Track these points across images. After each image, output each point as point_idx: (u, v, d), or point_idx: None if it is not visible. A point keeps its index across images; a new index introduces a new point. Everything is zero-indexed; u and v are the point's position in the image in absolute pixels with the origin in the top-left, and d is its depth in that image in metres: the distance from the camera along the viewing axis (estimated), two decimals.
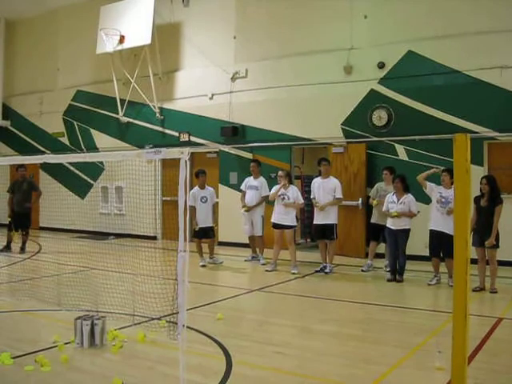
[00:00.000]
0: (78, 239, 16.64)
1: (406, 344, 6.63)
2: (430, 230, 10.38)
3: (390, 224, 10.71)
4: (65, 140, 19.75)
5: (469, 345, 5.69)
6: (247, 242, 13.54)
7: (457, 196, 3.60)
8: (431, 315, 8.31)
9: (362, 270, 11.82)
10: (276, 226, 11.89)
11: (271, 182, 13.07)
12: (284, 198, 11.74)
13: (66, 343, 6.33)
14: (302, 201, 12.21)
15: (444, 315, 7.67)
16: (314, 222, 11.90)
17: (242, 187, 13.31)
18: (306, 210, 15.66)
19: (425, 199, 11.00)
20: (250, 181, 13.23)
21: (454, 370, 3.68)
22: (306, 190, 15.77)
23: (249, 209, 12.94)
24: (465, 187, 3.53)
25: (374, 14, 13.81)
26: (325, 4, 14.36)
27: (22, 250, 14.06)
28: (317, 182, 11.88)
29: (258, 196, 12.98)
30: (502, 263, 9.69)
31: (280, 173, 12.17)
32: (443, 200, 10.15)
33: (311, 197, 11.95)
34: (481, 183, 9.62)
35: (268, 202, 12.80)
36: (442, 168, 10.51)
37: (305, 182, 16.35)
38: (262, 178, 13.18)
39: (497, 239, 9.44)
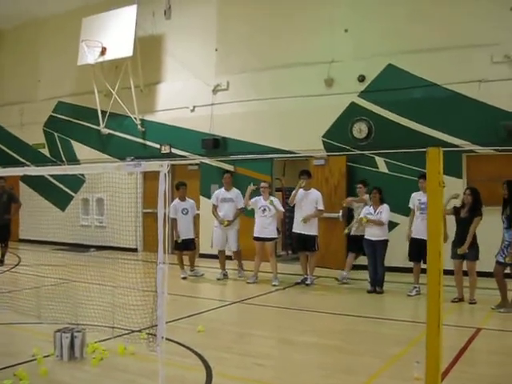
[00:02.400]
0: (58, 251, 16.54)
1: (384, 355, 6.68)
2: (411, 238, 10.52)
3: (369, 235, 10.81)
4: (45, 151, 19.68)
5: (447, 355, 5.78)
6: (228, 254, 13.20)
7: (429, 208, 3.67)
8: (410, 326, 8.37)
9: (337, 279, 11.87)
10: (257, 238, 11.92)
11: (253, 195, 13.03)
12: (265, 210, 11.78)
13: (46, 356, 6.29)
14: (283, 209, 12.24)
15: (423, 326, 7.59)
16: (294, 231, 11.93)
17: (213, 201, 12.77)
18: (287, 221, 15.71)
19: (402, 210, 11.10)
20: (222, 193, 12.73)
21: (428, 379, 3.74)
22: (287, 202, 15.81)
23: (229, 223, 12.48)
24: (437, 199, 3.61)
25: (354, 27, 13.96)
26: (306, 17, 14.50)
27: (1, 262, 13.95)
28: (299, 194, 11.91)
29: (235, 208, 12.59)
30: (480, 274, 9.77)
31: (263, 184, 12.20)
32: (422, 206, 10.27)
33: (294, 202, 11.95)
34: (464, 194, 9.75)
35: (244, 213, 12.77)
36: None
37: (286, 194, 16.37)
38: (235, 190, 12.78)
39: (476, 251, 9.54)
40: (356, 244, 11.59)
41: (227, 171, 13.77)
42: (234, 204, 12.61)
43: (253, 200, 12.07)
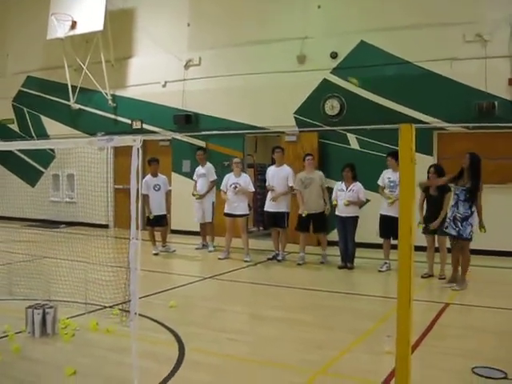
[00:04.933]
0: (28, 228, 16.37)
1: (356, 329, 6.77)
2: (380, 215, 10.61)
3: (339, 212, 10.88)
4: (14, 127, 19.38)
5: (417, 329, 5.89)
6: (199, 229, 13.52)
7: (402, 184, 3.71)
8: (381, 301, 8.50)
9: (298, 264, 11.42)
10: (228, 215, 11.96)
11: (224, 171, 13.08)
12: (236, 187, 11.78)
13: (17, 333, 6.28)
14: (253, 189, 12.27)
15: (393, 301, 7.68)
16: (266, 209, 12.00)
17: (194, 177, 13.32)
18: (259, 198, 15.76)
19: (373, 187, 11.17)
20: (198, 169, 13.26)
21: (398, 353, 3.80)
22: (259, 179, 15.91)
23: (200, 197, 12.90)
24: (409, 176, 3.65)
25: (327, 4, 13.92)
26: None
27: None
28: (271, 170, 11.96)
29: (207, 182, 12.94)
30: (449, 250, 9.89)
31: (236, 160, 12.20)
32: (392, 184, 10.40)
33: (266, 184, 12.00)
34: (428, 172, 9.84)
35: (218, 189, 12.77)
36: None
37: (258, 170, 16.42)
38: (208, 164, 13.16)
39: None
40: (306, 223, 11.53)
41: (200, 148, 13.80)
42: (206, 178, 12.96)
43: (224, 179, 12.07)
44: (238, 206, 11.83)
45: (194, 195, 13.03)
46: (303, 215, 11.41)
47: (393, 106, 12.97)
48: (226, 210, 12.02)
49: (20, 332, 6.32)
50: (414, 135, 3.66)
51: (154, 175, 12.65)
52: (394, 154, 10.12)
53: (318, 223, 11.49)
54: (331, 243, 12.00)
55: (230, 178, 11.97)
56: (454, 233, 8.97)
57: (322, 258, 11.54)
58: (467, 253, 9.02)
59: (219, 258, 11.90)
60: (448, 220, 9.05)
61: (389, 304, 7.81)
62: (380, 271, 10.51)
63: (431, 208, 9.75)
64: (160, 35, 16.22)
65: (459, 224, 8.86)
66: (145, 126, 16.48)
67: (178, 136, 15.89)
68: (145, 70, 16.55)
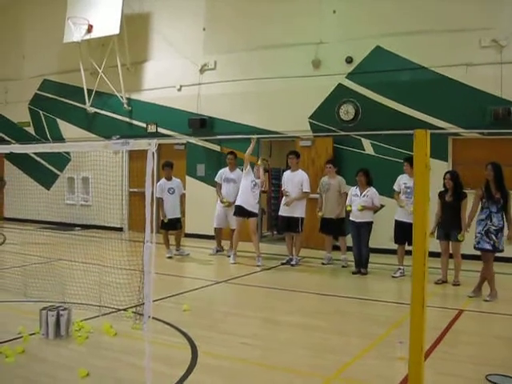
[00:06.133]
0: (43, 230, 16.46)
1: (369, 335, 6.75)
2: (395, 220, 10.58)
3: (353, 217, 10.86)
4: (30, 130, 19.52)
5: (430, 336, 5.86)
6: (214, 234, 13.44)
7: (416, 190, 3.71)
8: (394, 307, 8.45)
9: (323, 263, 11.88)
10: (239, 208, 11.84)
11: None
12: (256, 185, 11.80)
13: (31, 334, 6.31)
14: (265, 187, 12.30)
15: (407, 307, 7.65)
16: (280, 214, 11.97)
17: (217, 179, 13.05)
18: (273, 202, 15.75)
19: (388, 192, 11.15)
20: (226, 173, 12.98)
21: (411, 359, 3.78)
22: (273, 183, 15.92)
23: (230, 204, 12.59)
24: (424, 181, 3.64)
25: (342, 8, 13.91)
26: None
27: None
28: (286, 175, 11.95)
29: (236, 189, 12.52)
30: (464, 257, 9.85)
31: (259, 164, 12.16)
32: (408, 190, 10.35)
33: (282, 189, 11.98)
34: (444, 178, 9.78)
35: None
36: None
37: (272, 174, 16.42)
38: (239, 171, 12.85)
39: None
40: (328, 226, 11.74)
41: (231, 152, 13.49)
42: (236, 185, 12.61)
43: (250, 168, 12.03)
44: (252, 204, 11.82)
45: (223, 202, 12.76)
46: (319, 218, 11.74)
47: (408, 111, 12.93)
48: (238, 203, 11.88)
49: (34, 334, 6.35)
50: (428, 141, 3.65)
51: (169, 179, 12.67)
52: (411, 160, 10.09)
53: (335, 227, 11.65)
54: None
55: (250, 173, 11.94)
56: (488, 247, 8.56)
57: (343, 261, 11.57)
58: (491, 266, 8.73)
59: (231, 263, 11.88)
60: (479, 235, 8.65)
61: (402, 310, 7.79)
62: (393, 277, 10.47)
63: (447, 213, 9.68)
64: (176, 39, 16.29)
65: (493, 236, 8.50)
66: (160, 130, 16.54)
67: (193, 140, 15.93)
68: (160, 74, 16.62)
